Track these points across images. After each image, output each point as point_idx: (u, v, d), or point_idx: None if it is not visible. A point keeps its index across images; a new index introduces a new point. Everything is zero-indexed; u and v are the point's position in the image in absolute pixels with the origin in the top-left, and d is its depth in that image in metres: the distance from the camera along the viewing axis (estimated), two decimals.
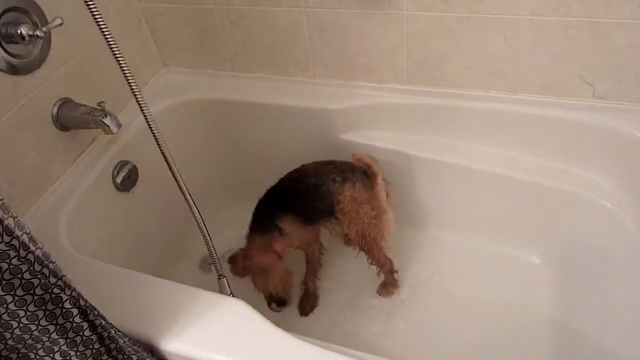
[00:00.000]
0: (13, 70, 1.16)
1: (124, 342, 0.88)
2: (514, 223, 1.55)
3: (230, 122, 1.66)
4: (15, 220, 0.66)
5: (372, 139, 1.54)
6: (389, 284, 1.52)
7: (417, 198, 1.62)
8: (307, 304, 1.54)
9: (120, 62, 0.94)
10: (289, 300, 1.43)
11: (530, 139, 1.42)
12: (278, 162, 1.69)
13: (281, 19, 1.46)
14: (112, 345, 0.87)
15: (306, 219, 1.39)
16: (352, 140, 1.55)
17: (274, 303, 1.40)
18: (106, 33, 0.91)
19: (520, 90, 1.38)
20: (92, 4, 0.88)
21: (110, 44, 0.92)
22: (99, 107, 1.26)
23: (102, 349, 0.85)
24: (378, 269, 1.47)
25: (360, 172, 1.36)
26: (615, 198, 1.33)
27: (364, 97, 1.52)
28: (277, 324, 0.96)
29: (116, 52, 0.94)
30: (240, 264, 1.37)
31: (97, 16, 0.90)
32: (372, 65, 1.48)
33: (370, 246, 1.39)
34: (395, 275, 1.50)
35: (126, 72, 0.96)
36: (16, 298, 0.70)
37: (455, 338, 1.42)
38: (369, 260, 1.44)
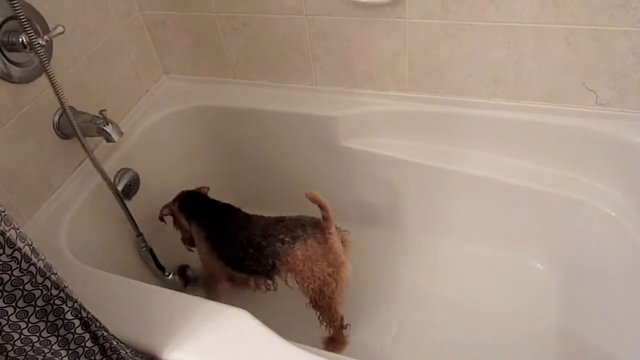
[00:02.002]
0: (14, 78, 1.16)
1: (126, 352, 0.88)
2: (517, 230, 1.54)
3: (232, 129, 1.66)
4: (18, 232, 0.66)
5: (373, 146, 1.54)
6: (337, 342, 1.41)
7: (419, 205, 1.62)
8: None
9: None
10: None
11: (533, 146, 1.42)
12: (279, 169, 1.69)
13: (283, 26, 1.46)
14: (114, 357, 0.86)
15: (227, 260, 1.35)
16: (354, 147, 1.55)
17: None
18: None
19: (522, 97, 1.38)
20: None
21: None
22: (101, 115, 1.26)
23: None
24: (327, 326, 1.37)
25: (311, 227, 1.25)
26: (618, 205, 1.33)
27: (366, 105, 1.51)
28: (280, 333, 0.95)
29: None
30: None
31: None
32: (374, 73, 1.48)
33: (325, 304, 1.30)
34: (344, 332, 1.41)
35: None
36: (17, 310, 0.69)
37: (459, 347, 1.41)
38: (320, 317, 1.35)
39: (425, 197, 1.58)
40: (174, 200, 1.43)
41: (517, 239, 1.56)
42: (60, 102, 1.16)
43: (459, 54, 1.35)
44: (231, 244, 1.31)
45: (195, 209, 1.40)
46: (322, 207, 1.19)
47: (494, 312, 1.47)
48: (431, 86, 1.44)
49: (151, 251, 1.48)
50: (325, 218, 1.20)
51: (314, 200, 1.18)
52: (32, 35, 1.07)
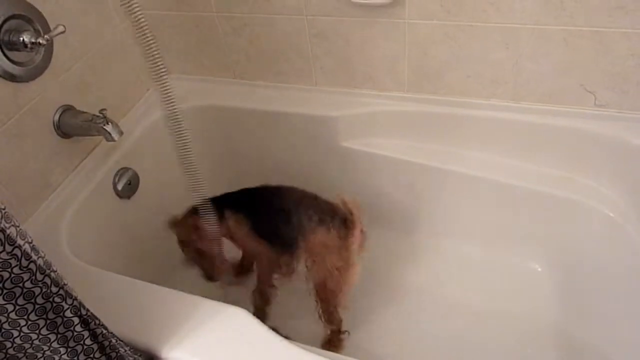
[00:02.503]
0: (15, 77, 1.16)
1: (125, 351, 0.88)
2: (515, 231, 1.54)
3: (232, 129, 1.66)
4: (17, 229, 0.66)
5: (373, 146, 1.55)
6: (332, 345, 1.40)
7: (418, 206, 1.62)
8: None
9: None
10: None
11: (532, 147, 1.42)
12: (279, 168, 1.69)
13: (283, 26, 1.46)
14: (113, 354, 0.86)
15: (264, 235, 1.33)
16: (354, 148, 1.55)
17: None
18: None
19: (521, 98, 1.38)
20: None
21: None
22: (101, 115, 1.26)
23: (103, 358, 0.85)
24: (325, 324, 1.37)
25: (339, 218, 1.26)
26: (617, 206, 1.33)
27: (366, 105, 1.52)
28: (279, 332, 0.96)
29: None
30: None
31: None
32: (374, 73, 1.48)
33: (327, 297, 1.31)
34: (342, 336, 1.40)
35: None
36: (17, 307, 0.69)
37: (457, 347, 1.41)
38: (320, 312, 1.35)
39: (424, 197, 1.58)
40: (189, 215, 1.33)
41: (516, 240, 1.56)
42: None
43: (458, 55, 1.35)
44: (268, 215, 1.32)
45: (221, 203, 1.32)
46: (350, 214, 1.24)
47: (493, 312, 1.47)
48: (431, 87, 1.45)
49: None
50: (352, 222, 1.24)
51: (344, 205, 1.24)
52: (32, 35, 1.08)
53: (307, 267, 1.31)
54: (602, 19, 1.18)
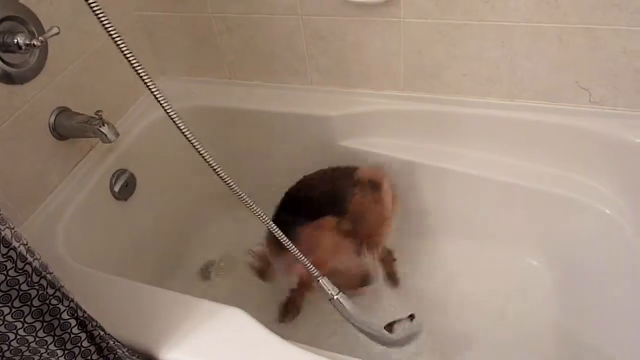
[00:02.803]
0: (9, 79, 1.16)
1: (123, 352, 0.88)
2: (513, 229, 1.55)
3: (228, 129, 1.66)
4: (13, 231, 0.66)
5: (369, 145, 1.54)
6: (392, 278, 1.57)
7: (414, 204, 1.62)
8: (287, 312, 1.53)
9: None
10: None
11: (527, 144, 1.43)
12: (276, 168, 1.69)
13: (278, 26, 1.46)
14: (111, 356, 0.86)
15: None
16: (350, 147, 1.55)
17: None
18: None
19: (517, 96, 1.38)
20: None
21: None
22: (97, 116, 1.26)
23: None
24: (380, 262, 1.53)
25: (365, 181, 1.38)
26: (613, 203, 1.33)
27: (362, 104, 1.52)
28: (278, 333, 0.96)
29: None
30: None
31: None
32: (370, 72, 1.48)
33: (373, 245, 1.41)
34: (394, 264, 1.57)
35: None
36: (13, 310, 0.69)
37: (455, 345, 1.41)
38: (371, 256, 1.44)
39: (420, 195, 1.58)
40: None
41: (513, 238, 1.56)
42: None
43: (453, 54, 1.36)
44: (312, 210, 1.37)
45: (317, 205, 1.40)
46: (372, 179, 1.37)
47: (490, 310, 1.47)
48: (426, 85, 1.45)
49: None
50: (377, 181, 1.37)
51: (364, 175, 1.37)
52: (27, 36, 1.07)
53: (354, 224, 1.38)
54: (596, 16, 1.18)
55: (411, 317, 1.27)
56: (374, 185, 1.38)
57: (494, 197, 1.48)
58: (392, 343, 1.25)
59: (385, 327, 1.24)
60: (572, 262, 1.45)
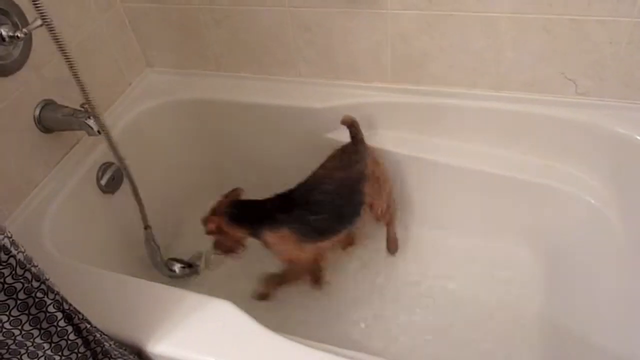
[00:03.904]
0: None
1: (110, 345, 0.88)
2: (501, 220, 1.56)
3: (216, 122, 1.66)
4: None
5: None
6: (391, 241, 1.61)
7: (403, 196, 1.63)
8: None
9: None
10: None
11: (514, 135, 1.43)
12: (264, 161, 1.69)
13: (265, 18, 1.46)
14: (98, 349, 0.86)
15: (315, 234, 1.34)
16: (338, 139, 1.54)
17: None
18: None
19: (503, 87, 1.39)
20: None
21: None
22: (82, 109, 1.25)
23: (88, 353, 0.85)
24: (390, 228, 1.58)
25: (357, 143, 1.39)
26: (598, 194, 1.35)
27: (349, 96, 1.52)
28: (265, 324, 0.96)
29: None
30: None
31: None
32: (357, 64, 1.48)
33: (389, 215, 1.50)
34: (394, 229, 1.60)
35: None
36: None
37: (443, 334, 1.43)
38: (386, 226, 1.56)
39: (408, 187, 1.59)
40: (219, 214, 1.33)
41: (500, 228, 1.58)
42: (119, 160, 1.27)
43: (440, 45, 1.36)
44: (318, 208, 1.33)
45: (258, 216, 1.33)
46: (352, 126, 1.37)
47: (479, 300, 1.49)
48: (414, 77, 1.45)
49: (157, 246, 1.46)
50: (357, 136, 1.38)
51: (346, 121, 1.36)
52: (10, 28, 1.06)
53: (374, 201, 1.41)
54: (581, 6, 1.19)
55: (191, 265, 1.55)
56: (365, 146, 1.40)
57: (480, 187, 1.49)
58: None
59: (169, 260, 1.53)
60: (558, 252, 1.47)
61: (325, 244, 1.38)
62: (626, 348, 1.12)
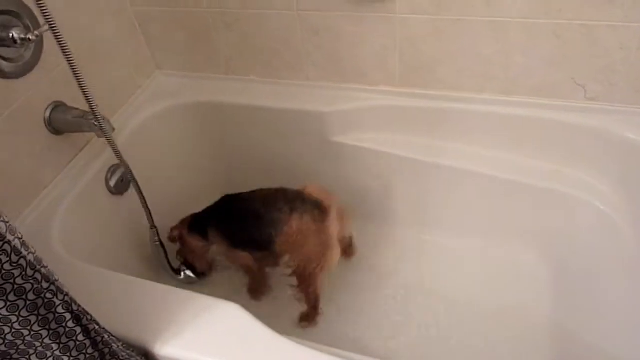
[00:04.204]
0: (4, 74, 1.15)
1: (118, 346, 0.88)
2: (508, 224, 1.55)
3: (224, 125, 1.66)
4: (7, 225, 0.66)
5: (364, 141, 1.55)
6: (310, 319, 1.46)
7: (410, 200, 1.63)
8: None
9: None
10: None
11: (523, 140, 1.43)
12: (271, 164, 1.69)
13: (274, 22, 1.46)
14: (106, 350, 0.86)
15: (236, 242, 1.43)
16: (345, 143, 1.55)
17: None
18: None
19: (512, 92, 1.39)
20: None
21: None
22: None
23: (96, 354, 0.85)
24: (304, 301, 1.43)
25: (311, 202, 1.29)
26: (607, 199, 1.34)
27: (357, 100, 1.52)
28: (272, 327, 0.96)
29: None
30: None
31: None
32: (365, 68, 1.48)
33: (306, 279, 1.34)
34: (319, 311, 1.45)
35: None
36: (8, 303, 0.69)
37: (449, 341, 1.42)
38: (298, 289, 1.39)
39: (416, 191, 1.59)
40: (183, 223, 1.49)
41: (508, 233, 1.57)
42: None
43: (449, 49, 1.36)
44: (240, 224, 1.38)
45: (205, 219, 1.46)
46: (320, 202, 1.28)
47: (485, 305, 1.48)
48: (422, 81, 1.45)
49: (162, 245, 1.48)
50: (325, 207, 1.28)
51: (310, 196, 1.29)
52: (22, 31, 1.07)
53: (287, 256, 1.36)
54: (591, 12, 1.18)
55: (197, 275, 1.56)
56: (317, 212, 1.28)
57: (488, 192, 1.48)
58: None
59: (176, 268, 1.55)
60: (567, 257, 1.46)
61: (248, 255, 1.45)
62: (636, 354, 1.11)
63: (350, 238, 1.59)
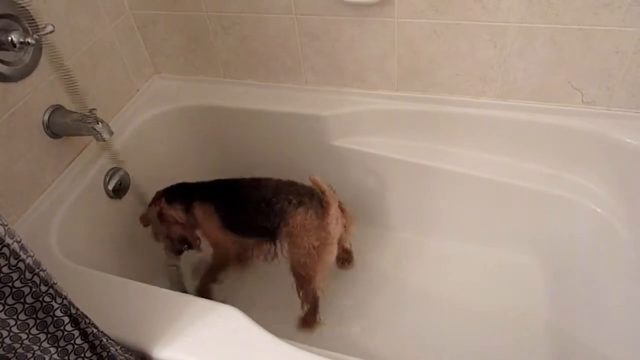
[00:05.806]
0: (3, 77, 1.15)
1: (116, 349, 0.88)
2: (505, 228, 1.56)
3: (223, 128, 1.66)
4: (6, 228, 0.66)
5: (363, 145, 1.55)
6: (307, 324, 1.47)
7: (408, 203, 1.63)
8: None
9: None
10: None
11: (520, 144, 1.43)
12: (270, 167, 1.69)
13: (273, 26, 1.47)
14: (104, 354, 0.86)
15: (236, 228, 1.40)
16: (344, 147, 1.55)
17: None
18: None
19: (510, 96, 1.39)
20: None
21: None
22: (91, 114, 1.26)
23: (94, 358, 0.85)
24: (302, 302, 1.43)
25: (318, 200, 1.30)
26: (604, 202, 1.35)
27: (355, 104, 1.52)
28: (271, 330, 0.96)
29: None
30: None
31: None
32: (363, 72, 1.49)
33: (304, 275, 1.35)
34: (317, 316, 1.46)
35: None
36: (6, 307, 0.69)
37: (446, 344, 1.42)
38: (297, 286, 1.40)
39: (414, 194, 1.59)
40: (157, 199, 1.41)
41: (505, 236, 1.57)
42: None
43: (447, 53, 1.36)
44: (243, 207, 1.36)
45: (191, 192, 1.41)
46: (322, 193, 1.27)
47: (482, 308, 1.48)
48: (420, 85, 1.46)
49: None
50: (326, 202, 1.28)
51: (314, 183, 1.27)
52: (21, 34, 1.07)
53: (288, 249, 1.36)
54: (588, 16, 1.19)
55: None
56: (320, 209, 1.30)
57: (487, 196, 1.49)
58: None
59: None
60: (565, 261, 1.46)
61: (244, 241, 1.43)
62: (634, 358, 1.11)
63: (349, 249, 1.60)
